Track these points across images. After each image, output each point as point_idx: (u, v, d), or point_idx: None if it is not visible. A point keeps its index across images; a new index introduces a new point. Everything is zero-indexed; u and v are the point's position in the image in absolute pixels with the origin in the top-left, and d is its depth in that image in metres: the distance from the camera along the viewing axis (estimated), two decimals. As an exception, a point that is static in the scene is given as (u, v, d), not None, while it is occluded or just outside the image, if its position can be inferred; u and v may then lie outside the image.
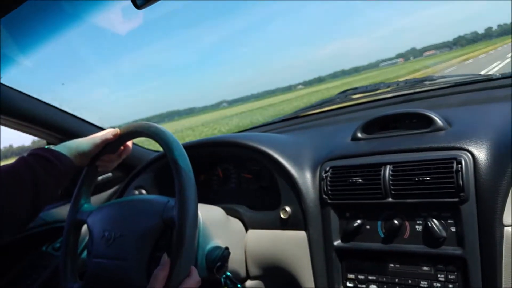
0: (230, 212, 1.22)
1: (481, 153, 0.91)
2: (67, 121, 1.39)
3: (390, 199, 0.98)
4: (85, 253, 1.20)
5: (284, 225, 1.13)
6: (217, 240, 1.06)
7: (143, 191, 1.39)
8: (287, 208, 1.12)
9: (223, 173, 1.42)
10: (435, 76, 1.48)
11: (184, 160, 0.83)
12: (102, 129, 1.46)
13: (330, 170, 1.08)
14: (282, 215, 1.13)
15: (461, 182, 0.89)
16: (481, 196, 0.88)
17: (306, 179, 1.11)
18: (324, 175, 1.08)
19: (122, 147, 1.03)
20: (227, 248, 1.03)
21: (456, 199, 0.90)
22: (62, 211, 1.41)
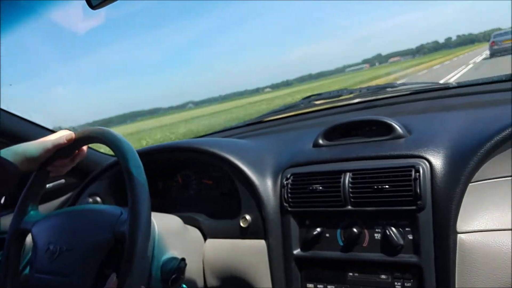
0: (188, 221, 1.18)
1: (437, 161, 0.92)
2: (15, 125, 1.30)
3: (349, 207, 0.97)
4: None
5: (244, 234, 1.10)
6: (173, 251, 1.02)
7: (98, 199, 1.32)
8: (247, 217, 1.10)
9: (183, 180, 1.38)
10: (397, 83, 1.50)
11: (139, 171, 0.79)
12: (53, 132, 1.38)
13: (291, 177, 1.06)
14: (241, 224, 1.10)
15: (418, 190, 0.90)
16: (437, 204, 0.89)
17: (267, 186, 1.09)
18: (285, 182, 1.06)
19: (76, 151, 0.97)
20: (183, 259, 0.99)
21: (414, 207, 0.90)
22: (5, 221, 1.32)
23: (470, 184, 0.88)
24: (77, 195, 1.34)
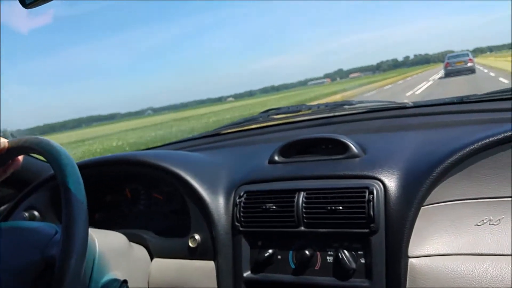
0: (134, 238, 1.11)
1: (391, 183, 0.91)
2: None
3: (302, 228, 0.94)
4: None
5: (193, 254, 1.04)
6: (115, 272, 0.94)
7: (36, 214, 1.22)
8: (196, 236, 1.04)
9: (132, 194, 1.30)
10: (354, 101, 1.51)
11: (77, 188, 0.72)
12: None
13: (245, 195, 1.02)
14: (190, 243, 1.04)
15: (372, 213, 0.88)
16: (390, 227, 0.87)
17: (218, 204, 1.04)
18: (238, 201, 1.02)
19: (10, 161, 0.88)
20: (125, 281, 0.92)
21: (367, 230, 0.88)
22: None
23: (422, 207, 0.87)
24: (11, 209, 1.23)
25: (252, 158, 1.19)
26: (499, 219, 0.85)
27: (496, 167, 0.87)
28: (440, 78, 22.32)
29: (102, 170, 1.21)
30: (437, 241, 0.86)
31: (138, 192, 1.29)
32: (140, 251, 1.10)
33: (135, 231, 1.14)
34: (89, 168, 1.19)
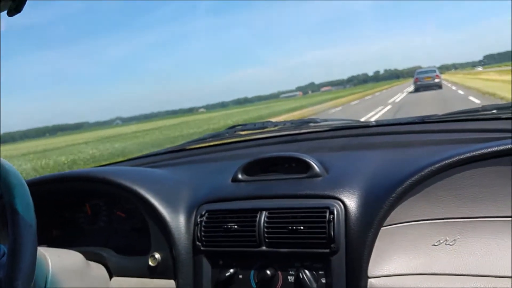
0: (93, 257, 1.07)
1: (352, 203, 0.92)
2: None
3: (264, 248, 0.94)
4: None
5: (152, 273, 1.02)
6: None
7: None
8: (157, 255, 1.02)
9: (92, 210, 1.26)
10: (319, 118, 1.53)
11: (26, 209, 0.69)
12: None
13: (206, 214, 1.01)
14: (150, 262, 1.02)
15: (332, 233, 0.88)
16: (350, 248, 0.88)
17: (179, 223, 1.02)
18: (199, 220, 1.00)
19: None
20: None
21: (327, 250, 0.89)
22: None
23: (382, 227, 0.89)
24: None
25: (215, 176, 1.18)
26: (455, 240, 0.88)
27: (452, 188, 0.89)
28: (410, 92, 23.48)
29: (60, 186, 1.17)
30: (396, 261, 0.88)
31: (100, 208, 1.26)
32: (98, 269, 1.06)
33: (94, 249, 1.11)
34: (47, 184, 1.15)
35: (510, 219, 0.86)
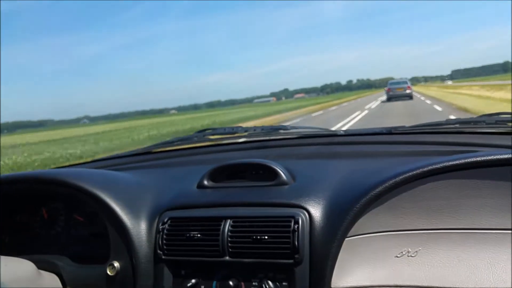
0: (45, 265, 1.02)
1: (317, 213, 0.91)
2: None
3: (227, 258, 0.91)
4: None
5: (110, 283, 0.97)
6: None
7: None
8: (116, 264, 0.97)
9: (49, 214, 1.20)
10: (289, 126, 1.52)
11: None
12: None
13: (169, 221, 0.97)
14: (109, 272, 0.97)
15: (296, 243, 0.87)
16: (314, 259, 0.87)
17: (140, 230, 0.99)
18: (161, 227, 0.97)
19: None
20: None
21: (291, 261, 0.87)
22: None
23: (346, 238, 0.88)
24: None
25: (181, 181, 1.14)
26: (416, 251, 0.88)
27: (415, 200, 0.90)
28: (383, 102, 24.31)
29: (15, 188, 1.11)
30: (360, 273, 0.87)
31: (57, 212, 1.20)
32: (51, 279, 1.01)
33: (48, 257, 1.06)
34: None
35: (470, 231, 0.88)
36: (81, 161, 1.58)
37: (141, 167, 1.40)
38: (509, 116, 1.21)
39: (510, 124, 1.18)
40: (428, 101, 20.40)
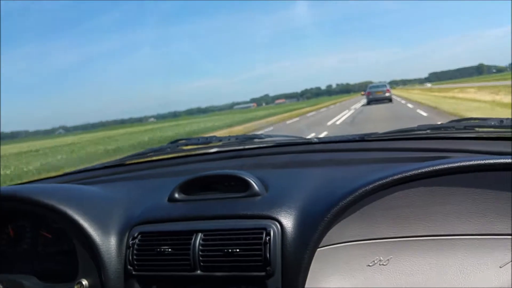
0: (11, 286, 0.98)
1: (289, 223, 0.90)
2: None
3: (198, 272, 0.90)
4: None
5: None
6: None
7: None
8: (84, 282, 0.95)
9: (16, 232, 1.16)
10: (263, 135, 1.52)
11: None
12: None
13: (139, 236, 0.95)
14: (76, 290, 0.94)
15: (268, 255, 0.86)
16: (286, 270, 0.86)
17: (110, 246, 0.96)
18: (131, 242, 0.94)
19: None
20: None
21: (263, 273, 0.86)
22: None
23: (318, 249, 0.88)
24: None
25: (152, 194, 1.12)
26: (388, 259, 0.88)
27: (387, 208, 0.90)
28: (363, 105, 24.71)
29: None
30: (332, 283, 0.87)
31: (24, 230, 1.16)
32: None
33: (14, 276, 1.02)
34: None
35: (440, 237, 0.89)
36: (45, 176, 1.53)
37: (112, 180, 1.36)
38: (477, 121, 1.23)
39: (477, 129, 1.20)
40: (411, 105, 18.22)
